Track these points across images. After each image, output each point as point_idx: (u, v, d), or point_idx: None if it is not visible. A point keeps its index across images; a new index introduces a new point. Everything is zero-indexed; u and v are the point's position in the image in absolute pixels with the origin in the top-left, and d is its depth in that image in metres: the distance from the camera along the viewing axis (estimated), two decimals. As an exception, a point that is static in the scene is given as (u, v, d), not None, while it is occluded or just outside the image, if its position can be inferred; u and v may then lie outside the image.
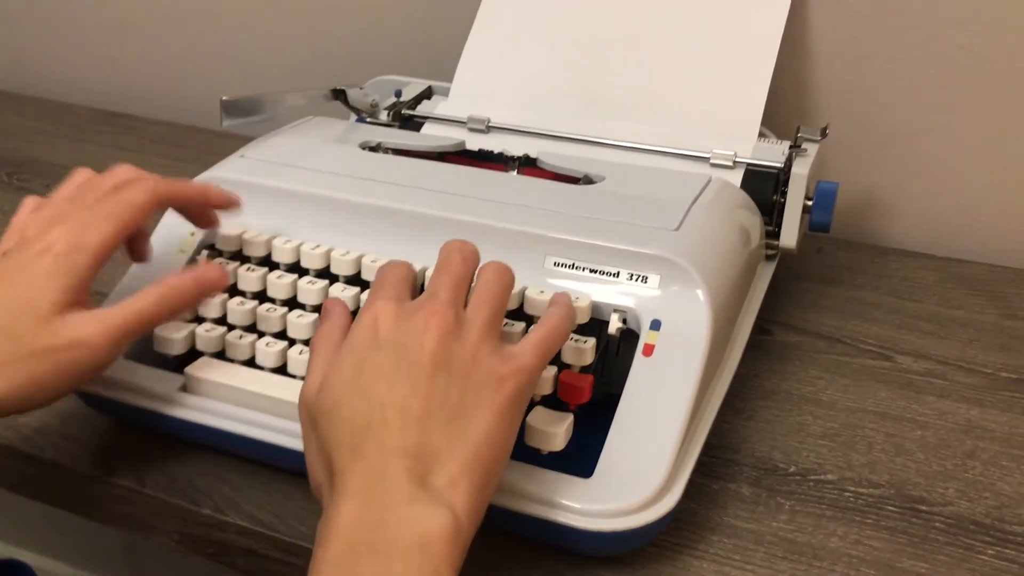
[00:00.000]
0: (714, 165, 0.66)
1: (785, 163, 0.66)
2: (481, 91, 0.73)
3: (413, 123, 0.73)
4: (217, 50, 1.04)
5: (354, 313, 0.54)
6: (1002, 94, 0.76)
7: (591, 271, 0.53)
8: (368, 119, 0.74)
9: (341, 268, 0.56)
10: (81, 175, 0.54)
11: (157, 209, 0.52)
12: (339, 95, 0.73)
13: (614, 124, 0.69)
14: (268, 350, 0.54)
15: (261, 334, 0.55)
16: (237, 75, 1.04)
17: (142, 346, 0.56)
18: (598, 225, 0.55)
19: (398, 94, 0.76)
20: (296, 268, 0.57)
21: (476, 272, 0.47)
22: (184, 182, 0.54)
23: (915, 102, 0.79)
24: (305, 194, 0.58)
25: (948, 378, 0.64)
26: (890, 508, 0.53)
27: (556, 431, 0.48)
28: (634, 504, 0.46)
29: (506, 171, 0.67)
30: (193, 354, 0.55)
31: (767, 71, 0.69)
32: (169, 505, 0.53)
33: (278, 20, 0.99)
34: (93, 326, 0.46)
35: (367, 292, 0.54)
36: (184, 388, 0.54)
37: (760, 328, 0.68)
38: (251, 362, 0.55)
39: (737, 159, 0.66)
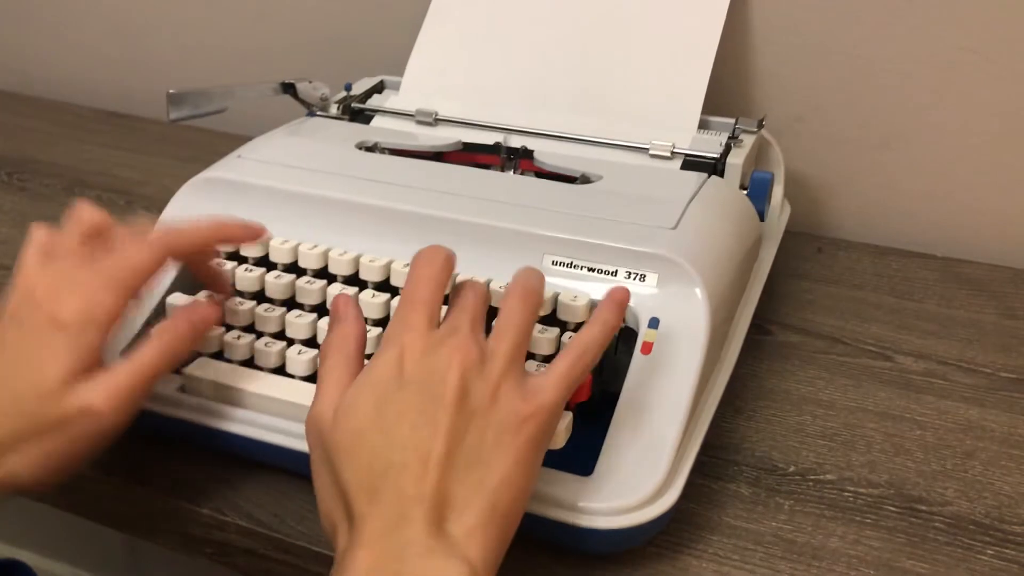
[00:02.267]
0: (653, 156, 0.67)
1: (721, 153, 0.66)
2: (431, 85, 0.74)
3: (363, 116, 0.74)
4: (217, 50, 1.04)
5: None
6: (1002, 94, 0.76)
7: (589, 270, 0.53)
8: (318, 112, 0.75)
9: (339, 268, 0.56)
10: (87, 217, 0.50)
11: (165, 264, 0.49)
12: (288, 88, 0.73)
13: (560, 117, 0.70)
14: (267, 350, 0.54)
15: (259, 334, 0.55)
16: (235, 74, 1.03)
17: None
18: (596, 224, 0.55)
19: (348, 87, 0.76)
20: (294, 268, 0.57)
21: (505, 288, 0.46)
22: (194, 228, 0.50)
23: (915, 102, 0.79)
24: (302, 194, 0.58)
25: (948, 378, 0.64)
26: (890, 508, 0.53)
27: (556, 430, 0.48)
28: (634, 502, 0.47)
29: (503, 164, 0.68)
30: (191, 355, 0.55)
31: (707, 64, 0.70)
32: (169, 505, 0.53)
33: (277, 20, 0.99)
34: (100, 393, 0.45)
35: (366, 292, 0.54)
36: (183, 389, 0.54)
37: (760, 328, 0.68)
38: (250, 362, 0.55)
39: (675, 150, 0.67)
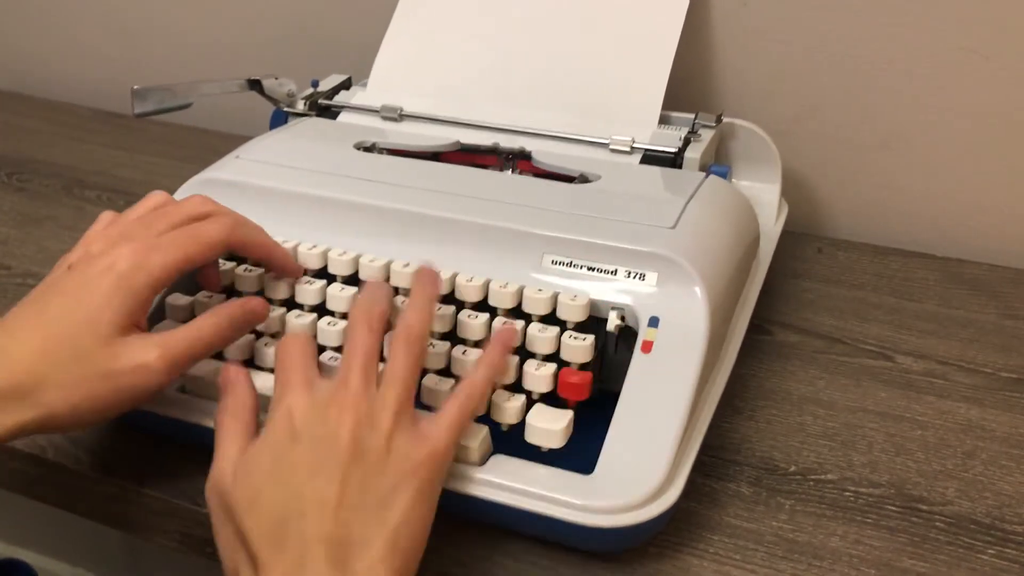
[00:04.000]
0: (613, 151, 0.67)
1: (680, 148, 0.66)
2: (398, 82, 0.75)
3: (330, 112, 0.74)
4: (216, 50, 1.04)
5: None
6: (1002, 94, 0.76)
7: (589, 269, 0.53)
8: (285, 109, 0.75)
9: (338, 268, 0.56)
10: (156, 198, 0.52)
11: (227, 250, 0.51)
12: (255, 85, 0.74)
13: (524, 112, 0.71)
14: (267, 350, 0.54)
15: (259, 334, 0.55)
16: (235, 75, 1.03)
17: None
18: (595, 223, 0.55)
19: (315, 84, 0.77)
20: (294, 268, 0.57)
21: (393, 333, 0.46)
22: (258, 230, 0.53)
23: (915, 102, 0.79)
24: (301, 194, 0.58)
25: (948, 378, 0.64)
26: (890, 508, 0.53)
27: (556, 428, 0.49)
28: (635, 500, 0.47)
29: (500, 165, 0.68)
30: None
31: (667, 60, 0.71)
32: (169, 505, 0.53)
33: (276, 20, 0.99)
34: (156, 352, 0.46)
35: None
36: (183, 389, 0.54)
37: (760, 328, 0.68)
38: (249, 362, 0.55)
39: (635, 144, 0.67)
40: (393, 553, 0.41)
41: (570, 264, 0.53)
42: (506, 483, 0.47)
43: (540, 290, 0.52)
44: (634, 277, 0.52)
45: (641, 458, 0.48)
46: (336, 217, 0.57)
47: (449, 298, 0.54)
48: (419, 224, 0.56)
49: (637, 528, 0.46)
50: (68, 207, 0.86)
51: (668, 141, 0.67)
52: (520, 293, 0.52)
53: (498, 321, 0.52)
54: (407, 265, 0.54)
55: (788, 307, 0.71)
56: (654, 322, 0.51)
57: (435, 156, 0.68)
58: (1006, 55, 0.75)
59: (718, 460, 0.56)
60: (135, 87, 0.61)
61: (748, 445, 0.57)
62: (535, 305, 0.52)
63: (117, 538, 1.18)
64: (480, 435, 0.48)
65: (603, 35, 0.73)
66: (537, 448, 0.49)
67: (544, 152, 0.67)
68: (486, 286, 0.53)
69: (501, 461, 0.49)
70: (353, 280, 0.56)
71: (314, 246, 0.56)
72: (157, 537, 0.55)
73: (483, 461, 0.49)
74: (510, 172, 0.67)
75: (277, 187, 0.59)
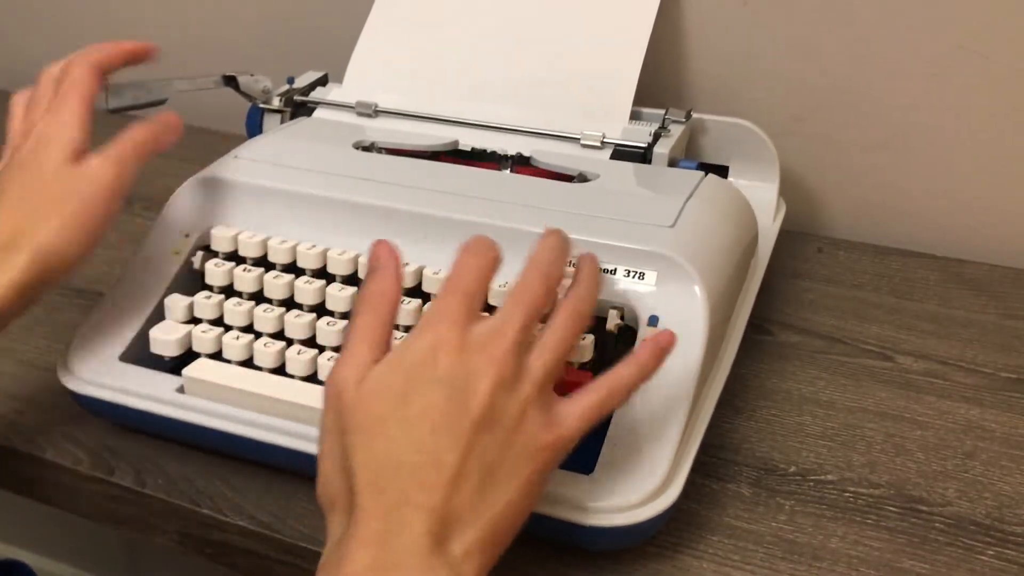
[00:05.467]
0: (584, 146, 0.68)
1: (649, 143, 0.67)
2: (374, 78, 0.75)
3: (305, 109, 0.75)
4: (217, 50, 1.04)
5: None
6: (1002, 94, 0.76)
7: (589, 269, 0.53)
8: (261, 105, 0.75)
9: (337, 268, 0.56)
10: (40, 80, 0.59)
11: (101, 72, 0.58)
12: (230, 81, 0.73)
13: (499, 108, 0.71)
14: (266, 350, 0.54)
15: (258, 335, 0.55)
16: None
17: (139, 349, 0.56)
18: (594, 223, 0.55)
19: (290, 81, 0.77)
20: (292, 268, 0.57)
21: (564, 294, 0.45)
22: (108, 44, 0.61)
23: (915, 102, 0.79)
24: (300, 194, 0.58)
25: (948, 378, 0.64)
26: (890, 508, 0.53)
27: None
28: (635, 500, 0.47)
29: (499, 170, 0.68)
30: (190, 356, 0.55)
31: (638, 55, 0.71)
32: (169, 505, 0.53)
33: (276, 20, 0.99)
34: (102, 159, 0.53)
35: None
36: (181, 390, 0.54)
37: (760, 328, 0.68)
38: (248, 363, 0.55)
39: (605, 140, 0.67)
40: (491, 541, 0.40)
41: (569, 263, 0.53)
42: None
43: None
44: (633, 276, 0.52)
45: (641, 458, 0.48)
46: (335, 217, 0.57)
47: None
48: (418, 224, 0.56)
49: (637, 528, 0.47)
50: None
51: (638, 136, 0.68)
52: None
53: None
54: (407, 265, 0.55)
55: (788, 307, 0.71)
56: (653, 321, 0.51)
57: (434, 156, 0.68)
58: (1005, 55, 0.75)
59: (718, 460, 0.56)
60: (109, 82, 0.62)
61: (748, 445, 0.57)
62: None
63: (117, 538, 1.18)
64: None
65: (575, 32, 0.73)
66: (537, 448, 0.49)
67: (543, 152, 0.67)
68: (485, 286, 0.53)
69: (500, 461, 0.49)
70: (352, 280, 0.56)
71: (313, 246, 0.56)
72: (157, 537, 0.55)
73: None
74: (508, 172, 0.67)
75: (276, 187, 0.59)
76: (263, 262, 0.57)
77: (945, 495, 0.54)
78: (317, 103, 0.74)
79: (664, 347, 0.45)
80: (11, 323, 0.50)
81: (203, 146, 0.94)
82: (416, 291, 0.55)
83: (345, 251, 0.56)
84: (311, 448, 0.51)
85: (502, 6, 0.76)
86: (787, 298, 0.72)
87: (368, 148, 0.67)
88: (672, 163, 0.67)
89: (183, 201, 0.61)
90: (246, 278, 0.56)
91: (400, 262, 0.45)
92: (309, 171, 0.61)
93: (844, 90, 0.80)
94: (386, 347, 0.43)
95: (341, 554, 0.38)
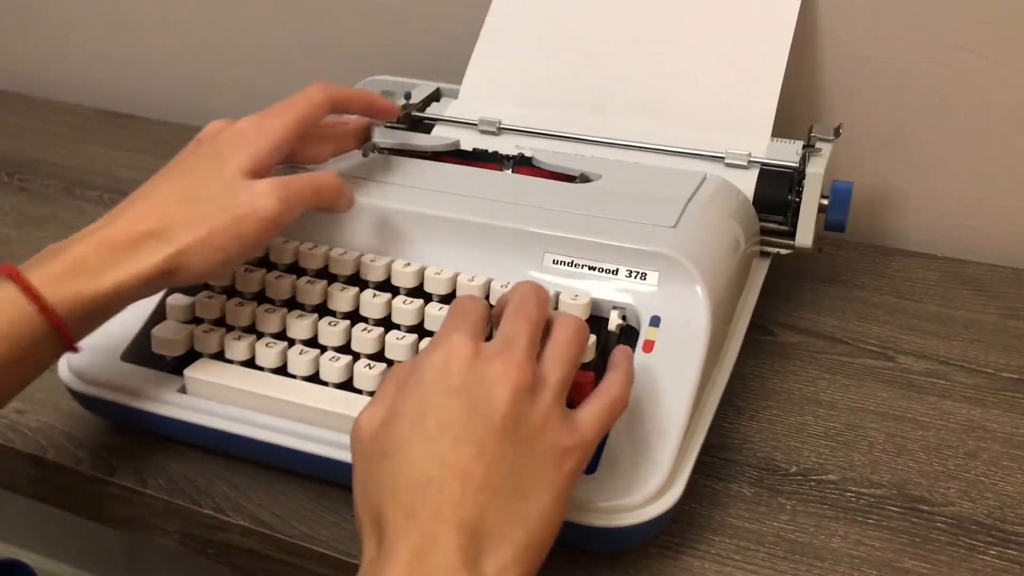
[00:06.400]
0: (729, 165, 0.65)
1: (800, 162, 0.65)
2: (491, 92, 0.73)
3: (423, 125, 0.73)
4: (216, 50, 1.04)
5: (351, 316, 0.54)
6: (1002, 94, 0.76)
7: (590, 268, 0.53)
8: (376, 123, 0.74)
9: (340, 268, 0.56)
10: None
11: (330, 109, 0.56)
12: None
13: (626, 123, 0.68)
14: (268, 350, 0.54)
15: (260, 334, 0.55)
16: (236, 75, 1.04)
17: (140, 349, 0.56)
18: (596, 223, 0.55)
19: (407, 96, 0.75)
20: (295, 268, 0.57)
21: (558, 319, 0.45)
22: (354, 89, 0.59)
23: (915, 102, 0.79)
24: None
25: (949, 378, 0.64)
26: (892, 508, 0.53)
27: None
28: (636, 500, 0.47)
29: (501, 170, 0.67)
30: (191, 356, 0.55)
31: (779, 68, 0.69)
32: (170, 505, 0.53)
33: (275, 20, 0.99)
34: (269, 185, 0.50)
35: (367, 292, 0.54)
36: (183, 390, 0.54)
37: (762, 328, 0.68)
38: (250, 363, 0.55)
39: (752, 159, 0.65)
40: (523, 558, 0.39)
41: (571, 263, 0.53)
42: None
43: (576, 296, 0.52)
44: (635, 276, 0.52)
45: (642, 458, 0.48)
46: (337, 217, 0.57)
47: (449, 298, 0.54)
48: (420, 224, 0.56)
49: (638, 528, 0.47)
50: (69, 207, 0.86)
51: (787, 155, 0.65)
52: (556, 299, 0.52)
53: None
54: (408, 265, 0.55)
55: (789, 307, 0.71)
56: (655, 321, 0.51)
57: (435, 156, 0.68)
58: (1006, 55, 0.75)
59: (719, 460, 0.56)
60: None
61: (749, 445, 0.57)
62: (568, 311, 0.52)
63: (117, 538, 1.18)
64: None
65: (708, 43, 0.70)
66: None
67: (544, 151, 0.67)
68: (487, 285, 0.53)
69: (502, 461, 0.49)
70: (354, 280, 0.56)
71: (315, 246, 0.56)
72: (158, 538, 0.55)
73: None
74: (510, 172, 0.67)
75: (278, 187, 0.59)
76: (265, 262, 0.57)
77: (947, 495, 0.54)
78: (435, 119, 0.72)
79: (628, 353, 0.48)
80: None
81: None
82: (418, 291, 0.55)
83: (347, 251, 0.56)
84: (312, 448, 0.51)
85: (627, 12, 0.72)
86: (788, 298, 0.72)
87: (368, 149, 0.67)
88: (825, 185, 0.65)
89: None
90: (248, 278, 0.56)
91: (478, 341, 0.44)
92: (310, 171, 0.60)
93: (844, 90, 0.80)
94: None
95: (378, 574, 0.38)
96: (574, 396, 0.50)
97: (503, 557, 0.38)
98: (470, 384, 0.40)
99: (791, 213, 0.65)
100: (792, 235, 0.65)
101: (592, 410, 0.43)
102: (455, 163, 0.66)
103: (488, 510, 0.38)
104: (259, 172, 0.51)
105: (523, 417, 0.40)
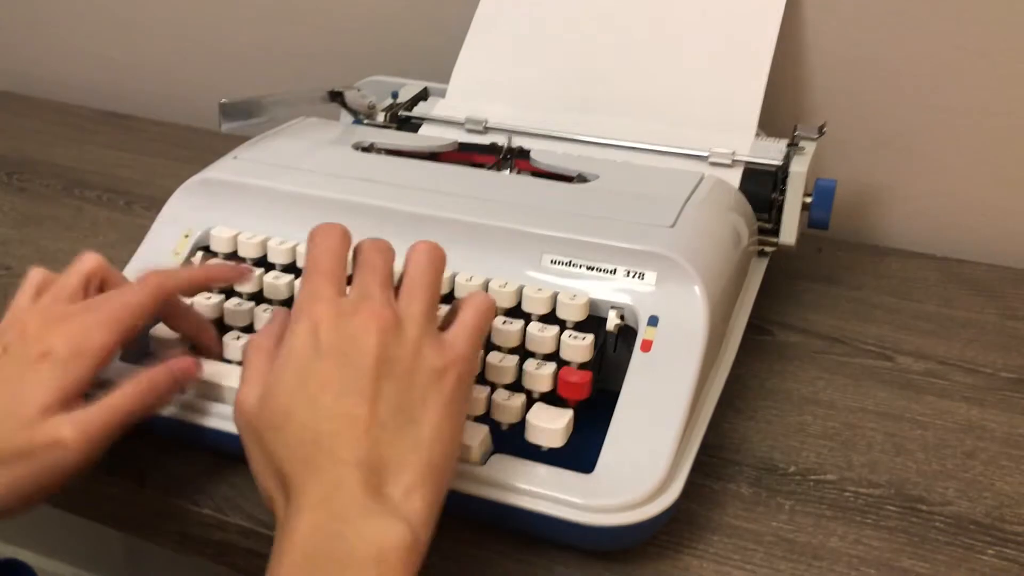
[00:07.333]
0: (713, 163, 0.66)
1: (783, 161, 0.65)
2: (478, 91, 0.73)
3: (410, 124, 0.73)
4: (216, 50, 1.04)
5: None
6: (1002, 94, 0.76)
7: (588, 268, 0.53)
8: (365, 121, 0.74)
9: (339, 268, 0.55)
10: (87, 262, 0.51)
11: (158, 304, 0.50)
12: (336, 97, 0.73)
13: (612, 122, 0.69)
14: (235, 343, 0.54)
15: (249, 329, 0.55)
16: (235, 75, 1.04)
17: (139, 348, 0.56)
18: (594, 223, 0.55)
19: (395, 95, 0.75)
20: (292, 269, 0.57)
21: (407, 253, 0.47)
22: (186, 271, 0.54)
23: (914, 102, 0.79)
24: (299, 194, 0.58)
25: (948, 378, 0.64)
26: (890, 508, 0.53)
27: (556, 427, 0.49)
28: (635, 499, 0.47)
29: (499, 163, 0.67)
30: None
31: (764, 68, 0.69)
32: (169, 505, 0.53)
33: (275, 20, 0.99)
34: (70, 428, 0.45)
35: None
36: (182, 389, 0.54)
37: (760, 328, 0.68)
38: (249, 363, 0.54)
39: (736, 157, 0.66)
40: (426, 476, 0.41)
41: (569, 263, 0.53)
42: (506, 482, 0.47)
43: (539, 289, 0.52)
44: (633, 276, 0.52)
45: (641, 457, 0.48)
46: (334, 217, 0.56)
47: (449, 298, 0.54)
48: (418, 224, 0.56)
49: (637, 527, 0.47)
50: (68, 207, 0.86)
51: (770, 153, 0.66)
52: (519, 292, 0.53)
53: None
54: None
55: (788, 307, 0.71)
56: (653, 321, 0.51)
57: (433, 156, 0.68)
58: (1006, 55, 0.75)
59: (718, 460, 0.56)
60: (222, 101, 0.60)
61: (748, 445, 0.57)
62: (534, 304, 0.52)
63: (117, 538, 1.18)
64: (480, 434, 0.48)
65: (693, 43, 0.70)
66: (537, 447, 0.49)
67: (543, 151, 0.67)
68: (485, 285, 0.53)
69: (501, 460, 0.49)
70: (351, 280, 0.56)
71: (314, 246, 0.56)
72: (157, 537, 0.55)
73: (483, 460, 0.48)
74: (508, 172, 0.67)
75: (275, 187, 0.59)
76: (263, 262, 0.57)
77: (945, 495, 0.54)
78: (423, 119, 0.73)
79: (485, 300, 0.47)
80: None
81: (203, 146, 0.94)
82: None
83: (345, 251, 0.56)
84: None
85: (614, 10, 0.73)
86: (787, 298, 0.72)
87: (367, 148, 0.67)
88: (809, 183, 0.65)
89: (183, 201, 0.61)
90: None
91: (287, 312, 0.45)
92: (309, 171, 0.61)
93: (843, 91, 0.80)
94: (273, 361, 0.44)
95: (287, 528, 0.39)
96: (569, 394, 0.50)
97: (405, 480, 0.40)
98: (339, 343, 0.42)
99: (774, 211, 0.66)
100: (776, 232, 0.66)
101: (460, 324, 0.45)
102: (453, 161, 0.66)
103: (380, 444, 0.40)
104: (68, 401, 0.46)
105: (394, 356, 0.42)
